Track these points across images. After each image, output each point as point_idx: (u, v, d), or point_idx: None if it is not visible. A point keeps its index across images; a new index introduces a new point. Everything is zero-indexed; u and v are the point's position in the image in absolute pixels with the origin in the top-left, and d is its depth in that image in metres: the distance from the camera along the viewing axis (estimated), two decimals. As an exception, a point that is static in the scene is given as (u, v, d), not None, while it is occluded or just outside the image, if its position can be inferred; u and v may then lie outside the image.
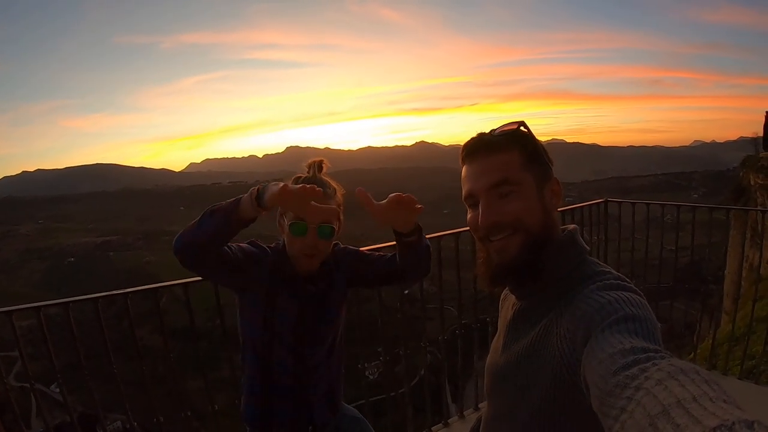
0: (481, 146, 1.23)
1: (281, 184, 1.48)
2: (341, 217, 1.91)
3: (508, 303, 1.42)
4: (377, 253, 2.11)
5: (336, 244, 2.07)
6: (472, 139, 1.25)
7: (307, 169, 1.91)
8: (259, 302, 1.89)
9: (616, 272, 1.17)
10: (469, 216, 1.28)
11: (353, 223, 2.05)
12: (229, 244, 1.75)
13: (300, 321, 1.92)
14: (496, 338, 1.42)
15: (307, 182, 1.75)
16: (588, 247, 1.27)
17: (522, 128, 1.24)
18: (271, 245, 1.96)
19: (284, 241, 1.91)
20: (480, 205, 1.21)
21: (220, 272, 1.79)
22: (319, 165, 1.92)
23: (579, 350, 0.98)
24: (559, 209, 1.28)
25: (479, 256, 1.31)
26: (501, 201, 1.19)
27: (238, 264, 1.78)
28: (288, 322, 1.91)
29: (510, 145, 1.21)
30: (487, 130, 1.27)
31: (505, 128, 1.24)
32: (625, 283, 1.11)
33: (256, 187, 1.54)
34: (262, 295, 1.88)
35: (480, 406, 3.98)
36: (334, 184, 1.89)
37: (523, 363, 1.20)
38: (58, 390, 2.90)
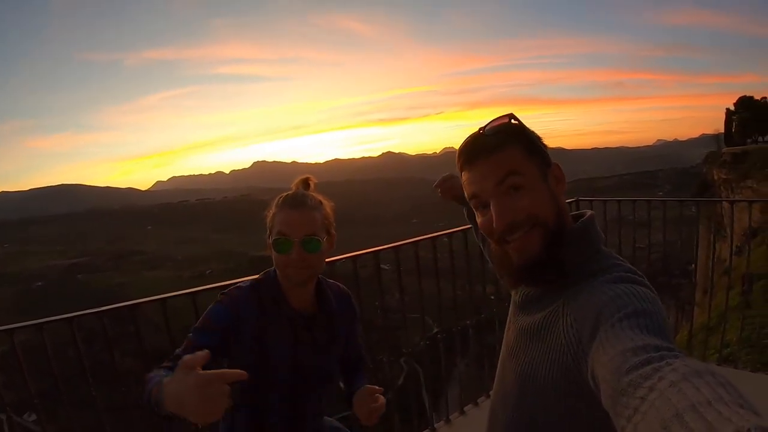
0: (480, 150, 1.18)
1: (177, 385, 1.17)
2: (332, 231, 1.85)
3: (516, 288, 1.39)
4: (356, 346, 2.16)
5: (350, 296, 2.09)
6: (468, 143, 1.21)
7: (293, 187, 1.87)
8: (249, 361, 1.74)
9: (628, 265, 1.16)
10: (479, 219, 1.23)
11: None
12: (191, 341, 1.66)
13: (296, 369, 1.84)
14: (508, 320, 1.41)
15: (291, 197, 1.78)
16: (603, 236, 1.26)
17: (513, 121, 1.21)
18: (260, 277, 1.89)
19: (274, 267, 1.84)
20: (492, 206, 1.16)
21: None
22: (306, 182, 1.89)
23: (586, 342, 0.97)
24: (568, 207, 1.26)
25: (494, 256, 1.28)
26: (512, 198, 1.15)
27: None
28: (283, 371, 1.82)
29: (508, 142, 1.16)
30: (477, 129, 1.22)
31: (497, 124, 1.20)
32: (636, 277, 1.10)
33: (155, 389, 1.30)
34: (252, 354, 1.77)
35: (465, 409, 3.97)
36: (320, 197, 1.84)
37: (528, 346, 1.21)
38: (31, 419, 2.83)
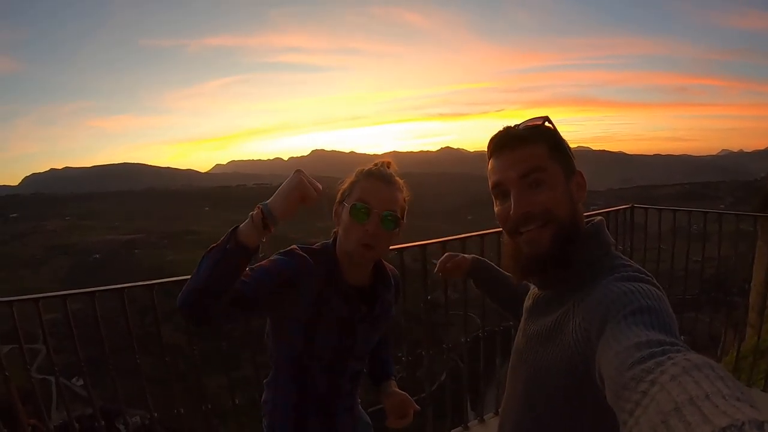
0: (510, 139, 1.24)
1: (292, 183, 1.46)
2: (403, 220, 1.77)
3: (530, 292, 1.43)
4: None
5: (398, 278, 2.04)
6: (500, 132, 1.27)
7: (374, 165, 1.79)
8: (300, 327, 1.72)
9: (636, 265, 1.18)
10: (497, 209, 1.29)
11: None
12: (250, 273, 1.55)
13: (342, 342, 1.79)
14: (520, 325, 1.43)
15: (379, 171, 1.74)
16: (613, 240, 1.28)
17: (547, 123, 1.27)
18: (317, 247, 1.79)
19: (333, 240, 1.80)
20: (512, 195, 1.22)
21: (241, 316, 1.59)
22: (388, 164, 1.81)
23: (594, 340, 0.99)
24: (584, 213, 1.29)
25: (506, 249, 1.32)
26: (532, 191, 1.21)
27: (264, 301, 1.58)
28: (329, 344, 1.77)
29: (537, 138, 1.23)
30: (512, 125, 1.28)
31: (531, 123, 1.27)
32: (643, 275, 1.11)
33: (258, 207, 1.43)
34: (304, 319, 1.70)
35: (500, 410, 3.95)
36: (402, 183, 1.78)
37: (539, 349, 1.23)
38: (79, 383, 2.92)
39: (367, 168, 1.76)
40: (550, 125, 1.27)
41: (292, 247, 1.74)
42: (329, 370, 1.82)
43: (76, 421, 2.92)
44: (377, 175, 1.72)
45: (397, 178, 1.76)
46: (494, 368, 3.89)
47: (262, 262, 1.62)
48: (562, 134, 1.28)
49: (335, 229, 1.79)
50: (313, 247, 1.78)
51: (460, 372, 4.11)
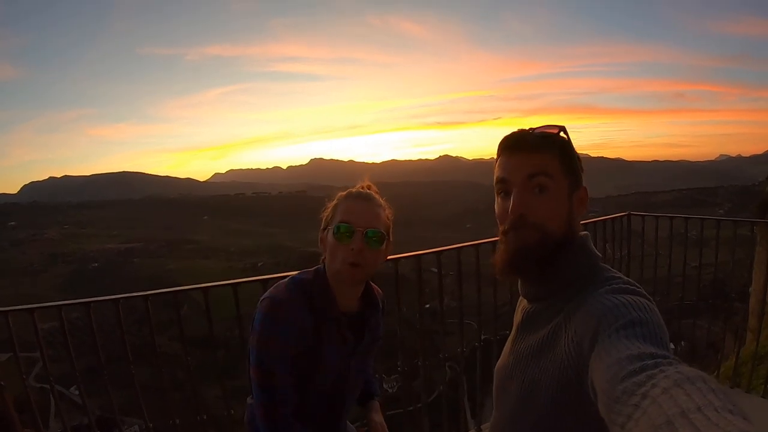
0: (523, 143, 1.24)
1: None
2: (390, 237, 1.77)
3: (520, 307, 1.43)
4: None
5: (383, 299, 2.00)
6: (514, 135, 1.26)
7: (357, 186, 1.80)
8: (303, 364, 1.68)
9: (626, 278, 1.18)
10: (497, 206, 1.29)
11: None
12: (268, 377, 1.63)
13: (340, 374, 1.78)
14: (507, 342, 1.43)
15: (358, 191, 1.75)
16: (599, 254, 1.28)
17: (562, 134, 1.27)
18: (309, 276, 1.76)
19: (323, 266, 1.77)
20: (513, 194, 1.22)
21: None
22: (369, 186, 1.81)
23: (586, 353, 0.99)
24: (581, 221, 1.30)
25: (499, 247, 1.31)
26: (534, 195, 1.21)
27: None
28: (329, 377, 1.75)
29: (551, 147, 1.23)
30: (527, 128, 1.28)
31: (546, 130, 1.26)
32: (634, 288, 1.11)
33: None
34: (306, 359, 1.68)
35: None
36: (383, 201, 1.78)
37: (530, 363, 1.22)
38: (77, 392, 2.93)
39: (348, 190, 1.76)
40: (565, 135, 1.27)
41: (275, 296, 1.67)
42: (327, 404, 1.81)
43: (75, 430, 2.92)
44: (356, 195, 1.73)
45: (379, 197, 1.77)
46: (491, 377, 3.89)
47: (263, 341, 1.63)
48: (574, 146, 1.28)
49: (323, 257, 1.76)
50: (306, 278, 1.76)
51: (457, 381, 4.11)
